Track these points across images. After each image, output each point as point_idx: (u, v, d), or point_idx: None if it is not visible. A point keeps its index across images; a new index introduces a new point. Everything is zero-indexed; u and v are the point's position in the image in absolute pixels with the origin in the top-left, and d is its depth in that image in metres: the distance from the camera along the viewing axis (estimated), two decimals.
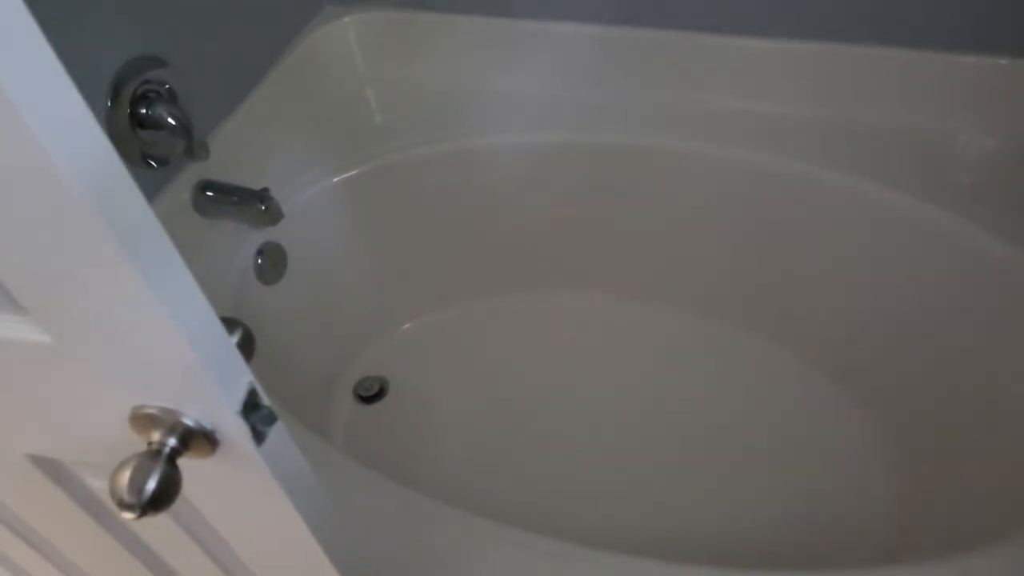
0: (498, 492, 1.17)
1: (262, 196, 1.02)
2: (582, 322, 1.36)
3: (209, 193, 1.05)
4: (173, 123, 0.95)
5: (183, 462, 0.43)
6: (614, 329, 1.35)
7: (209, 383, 0.41)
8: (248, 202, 1.03)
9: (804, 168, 1.11)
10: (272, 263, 1.13)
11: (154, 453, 0.42)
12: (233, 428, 0.44)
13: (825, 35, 1.10)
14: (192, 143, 0.96)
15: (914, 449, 1.06)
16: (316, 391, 1.28)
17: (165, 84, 0.98)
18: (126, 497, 0.40)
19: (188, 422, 0.44)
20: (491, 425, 1.27)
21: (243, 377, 0.44)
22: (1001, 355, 0.97)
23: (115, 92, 0.91)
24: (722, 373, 1.27)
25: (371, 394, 1.34)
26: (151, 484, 0.41)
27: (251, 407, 0.44)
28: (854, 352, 1.17)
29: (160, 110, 0.95)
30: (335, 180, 1.18)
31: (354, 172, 1.19)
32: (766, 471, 1.14)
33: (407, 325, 1.39)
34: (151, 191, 1.00)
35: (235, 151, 1.12)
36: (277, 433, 0.47)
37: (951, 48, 1.07)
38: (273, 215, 1.03)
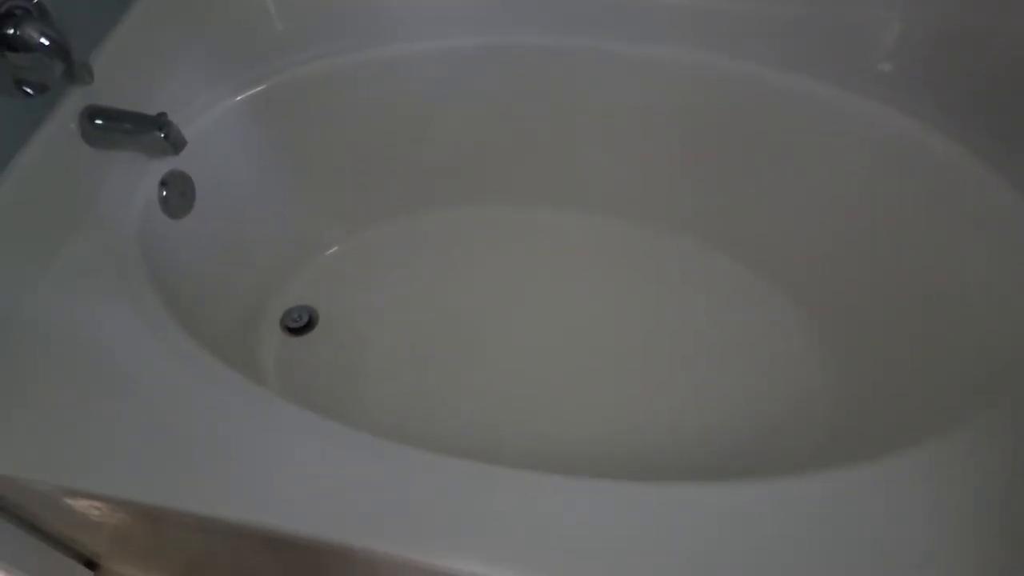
0: (437, 419, 1.15)
1: (160, 122, 0.93)
2: (517, 237, 1.33)
3: (99, 121, 0.94)
4: (46, 43, 0.84)
5: None
6: (548, 243, 1.33)
7: None
8: (145, 130, 0.93)
9: (745, 67, 1.07)
10: (179, 193, 1.04)
11: None
12: None
13: None
14: (72, 65, 0.86)
15: (850, 351, 1.09)
16: (241, 327, 1.22)
17: (34, 1, 0.86)
18: None
19: None
20: (427, 348, 1.24)
21: None
22: (935, 252, 0.99)
23: None
24: (662, 282, 1.27)
25: (300, 325, 1.29)
26: None
27: None
28: (792, 256, 1.18)
29: (30, 30, 0.83)
30: (239, 99, 1.09)
31: (260, 88, 1.10)
32: (707, 377, 1.16)
33: (332, 250, 1.33)
34: (32, 121, 0.89)
35: (121, 72, 1.00)
36: None
37: None
38: (175, 143, 0.94)
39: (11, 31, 0.83)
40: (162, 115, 0.93)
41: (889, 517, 0.67)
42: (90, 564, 1.10)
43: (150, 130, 0.93)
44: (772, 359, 1.16)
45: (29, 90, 0.88)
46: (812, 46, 1.07)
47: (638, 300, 1.25)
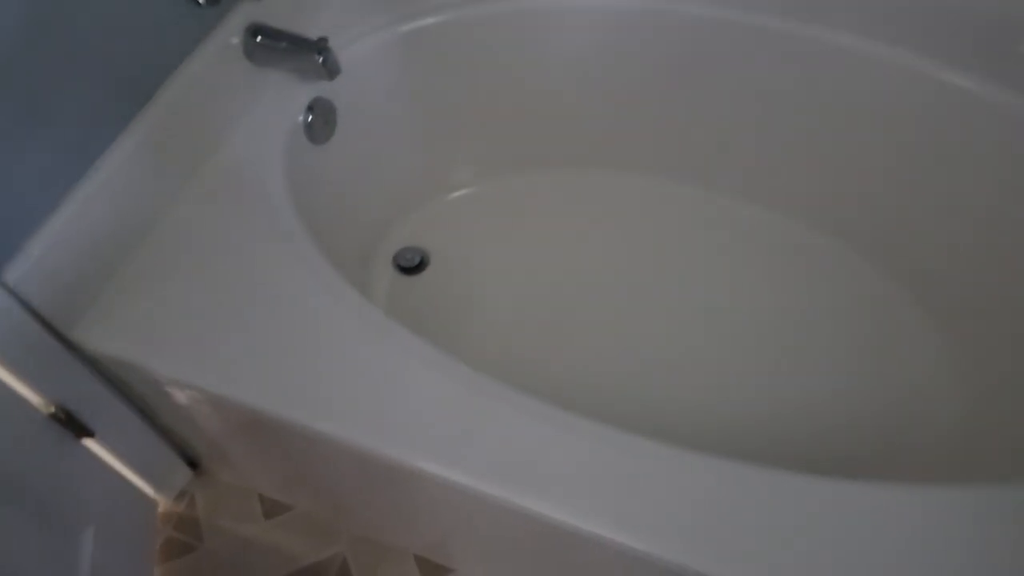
0: (537, 370, 1.15)
1: (320, 47, 0.94)
2: (631, 204, 1.32)
3: (261, 39, 0.96)
4: None
5: None
6: (663, 213, 1.31)
7: None
8: (304, 52, 0.95)
9: (905, 58, 1.02)
10: (323, 120, 1.06)
11: None
12: None
13: None
14: None
15: (978, 360, 1.04)
16: (360, 259, 1.24)
17: None
18: None
19: None
20: (531, 302, 1.24)
21: None
22: None
23: None
24: (779, 268, 1.24)
25: (412, 265, 1.30)
26: None
27: None
28: (927, 258, 1.13)
29: None
30: (390, 34, 1.09)
31: (412, 25, 1.10)
32: (819, 364, 1.13)
33: (455, 195, 1.33)
34: (200, 32, 0.92)
35: None
36: None
37: None
38: (331, 69, 0.95)
39: None
40: (323, 40, 0.94)
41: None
42: (192, 464, 1.15)
43: (309, 53, 0.94)
44: (897, 361, 1.12)
45: (202, 1, 0.90)
46: (970, 40, 1.01)
47: (755, 283, 1.23)
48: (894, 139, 1.09)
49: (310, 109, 1.04)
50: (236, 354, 0.79)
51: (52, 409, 0.84)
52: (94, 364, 0.86)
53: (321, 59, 0.94)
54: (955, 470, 0.93)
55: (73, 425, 0.87)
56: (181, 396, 0.86)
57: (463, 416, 0.74)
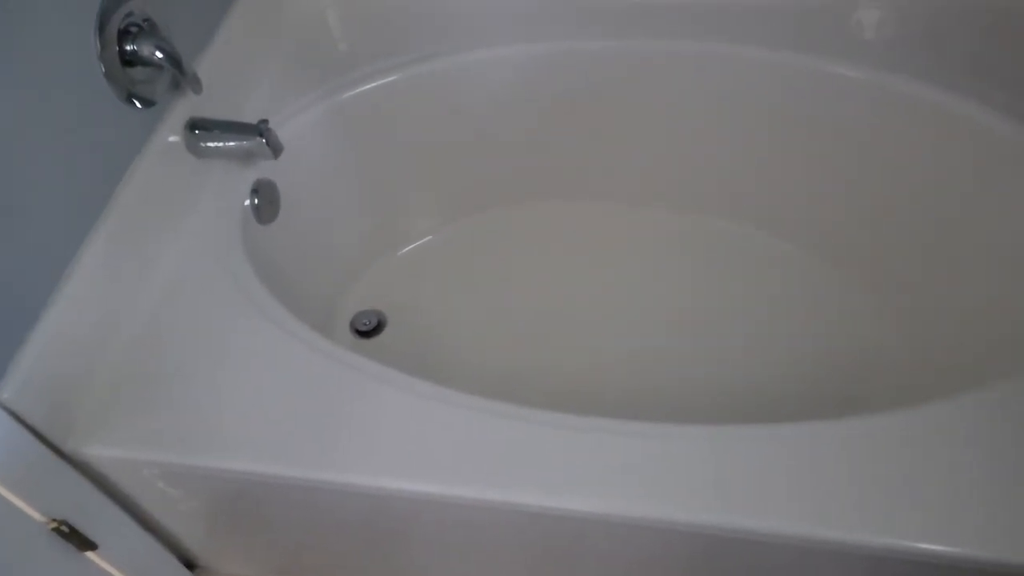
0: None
1: (261, 129, 0.99)
2: (580, 230, 1.39)
3: (200, 131, 1.00)
4: (162, 57, 0.90)
5: None
6: (612, 234, 1.39)
7: None
8: (245, 136, 0.99)
9: (785, 57, 1.15)
10: (267, 201, 1.10)
11: None
12: None
13: None
14: (185, 76, 0.92)
15: (901, 305, 1.15)
16: (319, 330, 1.26)
17: (145, 18, 0.92)
18: None
19: None
20: (493, 342, 1.29)
21: None
22: (963, 205, 1.06)
23: (100, 30, 0.85)
24: (712, 261, 1.34)
25: (369, 328, 1.33)
26: None
27: None
28: (844, 231, 1.25)
29: (147, 44, 0.89)
30: (323, 107, 1.15)
31: (342, 96, 1.16)
32: (770, 340, 1.23)
33: (404, 250, 1.38)
34: (141, 134, 0.95)
35: (212, 86, 1.06)
36: None
37: None
38: (274, 147, 1.00)
39: (130, 47, 0.89)
40: (263, 122, 0.99)
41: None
42: (189, 566, 1.13)
43: (251, 136, 0.99)
44: (832, 320, 1.23)
45: (138, 104, 0.94)
46: (836, 32, 1.15)
47: (702, 282, 1.32)
48: (787, 132, 1.22)
49: (255, 192, 1.07)
50: (230, 427, 0.81)
51: (54, 524, 0.83)
52: (91, 472, 0.86)
53: (264, 140, 0.98)
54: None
55: (76, 538, 0.86)
56: (181, 485, 0.87)
57: (456, 434, 0.78)
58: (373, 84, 1.18)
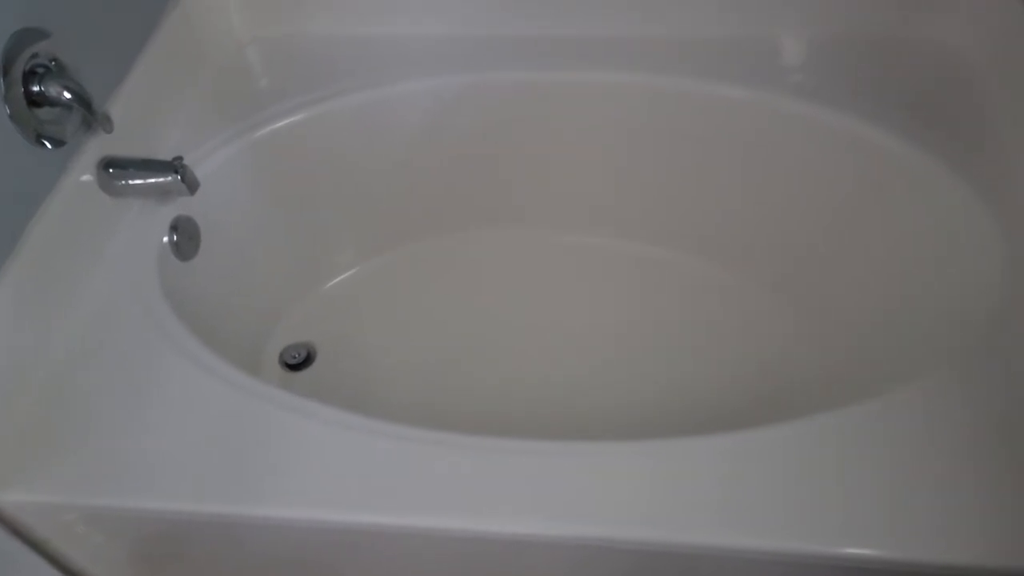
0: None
1: (176, 166, 0.98)
2: (505, 258, 1.42)
3: (114, 170, 1.00)
4: (70, 97, 0.89)
5: None
6: (535, 261, 1.42)
7: None
8: (160, 174, 0.99)
9: (690, 83, 1.20)
10: (187, 237, 1.09)
11: None
12: None
13: None
14: (95, 116, 0.91)
15: (824, 327, 1.21)
16: (246, 368, 1.25)
17: (52, 58, 0.92)
18: None
19: None
20: (425, 372, 1.30)
21: None
22: (890, 233, 1.12)
23: (5, 71, 0.85)
24: (650, 286, 1.37)
25: (298, 361, 1.33)
26: None
27: None
28: (762, 251, 1.30)
29: (54, 85, 0.89)
30: (241, 143, 1.15)
31: (261, 132, 1.16)
32: (698, 359, 1.26)
33: (331, 282, 1.38)
34: (52, 174, 0.94)
35: (126, 124, 1.06)
36: None
37: None
38: (190, 184, 0.99)
39: (36, 88, 0.89)
40: (178, 158, 0.99)
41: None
42: None
43: (166, 174, 0.98)
44: (760, 339, 1.27)
45: (48, 144, 0.93)
46: (744, 63, 1.21)
47: (630, 303, 1.35)
48: (691, 152, 1.27)
49: (174, 229, 1.07)
50: (148, 467, 0.80)
51: None
52: (5, 519, 0.84)
53: (180, 176, 0.98)
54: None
55: None
56: (102, 529, 0.85)
57: (384, 463, 0.79)
58: (292, 119, 1.19)
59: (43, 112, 0.90)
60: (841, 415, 0.80)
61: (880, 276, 1.13)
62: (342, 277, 1.41)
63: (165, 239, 1.05)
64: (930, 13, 1.20)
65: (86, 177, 0.98)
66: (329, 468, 0.79)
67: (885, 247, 1.13)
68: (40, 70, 0.90)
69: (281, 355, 1.33)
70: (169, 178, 0.99)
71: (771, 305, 1.30)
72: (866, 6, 1.21)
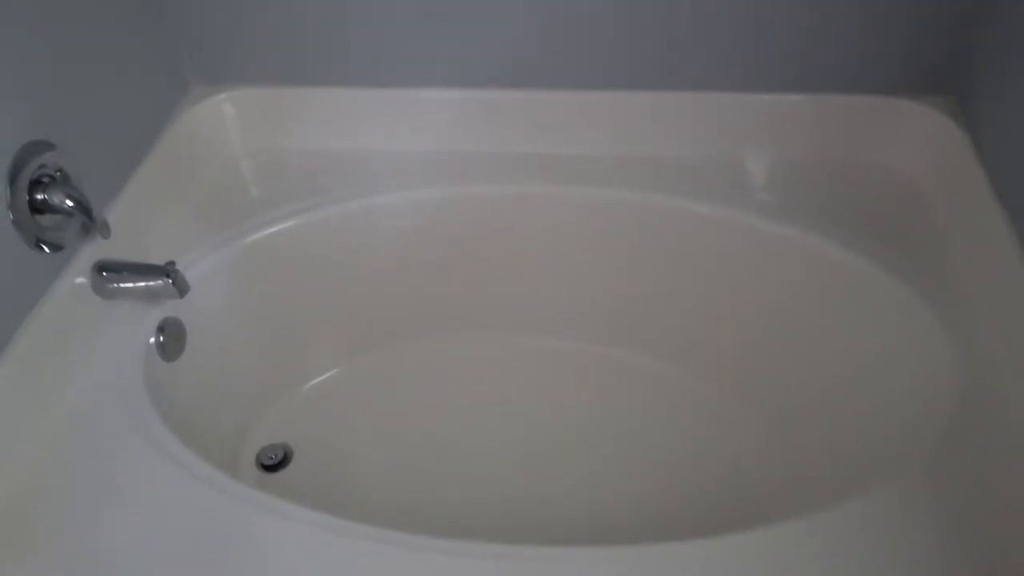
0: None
1: (168, 270, 1.03)
2: (479, 361, 1.45)
3: (107, 273, 1.04)
4: (71, 205, 0.94)
5: None
6: (512, 364, 1.45)
7: None
8: (152, 278, 1.03)
9: (657, 198, 1.28)
10: (173, 338, 1.12)
11: None
12: None
13: (659, 85, 1.30)
14: (94, 223, 0.96)
15: (785, 431, 1.24)
16: (221, 466, 1.26)
17: (57, 168, 0.97)
18: None
19: None
20: (401, 476, 1.31)
21: None
22: (844, 341, 1.18)
23: (12, 180, 0.90)
24: (619, 390, 1.41)
25: (275, 462, 1.33)
26: None
27: None
28: (727, 357, 1.35)
29: (57, 194, 0.94)
30: (231, 249, 1.20)
31: (251, 239, 1.22)
32: (664, 463, 1.29)
33: (311, 384, 1.40)
34: (47, 277, 0.98)
35: (120, 230, 1.11)
36: None
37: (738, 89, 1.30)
38: (181, 288, 1.03)
39: (40, 196, 0.94)
40: (170, 263, 1.03)
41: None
42: None
43: (158, 277, 1.03)
44: (727, 444, 1.30)
45: (47, 249, 0.97)
46: (710, 182, 1.29)
47: (601, 407, 1.38)
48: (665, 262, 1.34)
49: (160, 330, 1.10)
50: (122, 568, 0.81)
51: None
52: None
53: (171, 280, 1.02)
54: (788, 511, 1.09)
55: None
56: None
57: (358, 566, 0.80)
58: (278, 227, 1.25)
59: (45, 219, 0.95)
60: (807, 522, 0.82)
61: (839, 384, 1.18)
62: (321, 378, 1.43)
63: (152, 339, 1.08)
64: (880, 141, 1.31)
65: (80, 280, 1.02)
66: (305, 571, 0.80)
67: (842, 356, 1.19)
68: (45, 179, 0.95)
69: (258, 456, 1.34)
70: (160, 282, 1.03)
71: (736, 409, 1.34)
72: (822, 134, 1.32)
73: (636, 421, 1.36)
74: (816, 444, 1.19)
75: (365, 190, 1.30)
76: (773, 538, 0.81)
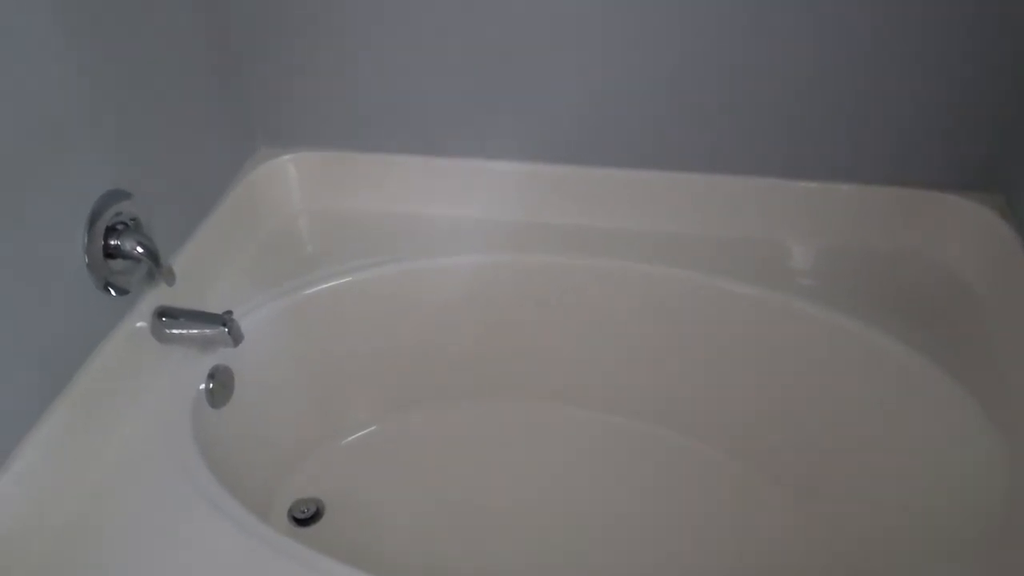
0: None
1: (224, 319, 1.06)
2: (519, 428, 1.46)
3: (167, 319, 1.08)
4: (141, 252, 0.99)
5: None
6: (550, 433, 1.46)
7: None
8: (210, 325, 1.07)
9: (699, 276, 1.30)
10: (222, 386, 1.15)
11: None
12: None
13: (709, 167, 1.33)
14: (160, 269, 1.01)
15: (820, 515, 1.22)
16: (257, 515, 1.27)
17: (131, 217, 1.03)
18: None
19: None
20: (433, 539, 1.31)
21: None
22: (885, 430, 1.16)
23: (90, 225, 0.95)
24: (646, 466, 1.40)
25: (307, 516, 1.34)
26: None
27: None
28: (765, 441, 1.34)
29: (129, 240, 0.99)
30: (284, 302, 1.25)
31: (304, 293, 1.26)
32: (695, 542, 1.28)
33: (348, 439, 1.42)
34: (111, 320, 1.02)
35: (183, 280, 1.15)
36: None
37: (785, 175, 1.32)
38: (235, 337, 1.07)
39: (114, 242, 0.99)
40: (228, 312, 1.07)
41: None
42: None
43: (215, 325, 1.06)
44: (760, 529, 1.28)
45: (113, 292, 1.02)
46: (753, 265, 1.31)
47: (637, 483, 1.38)
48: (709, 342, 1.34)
49: (211, 376, 1.13)
50: None
51: None
52: None
53: (227, 329, 1.06)
54: None
55: None
56: None
57: None
58: (330, 284, 1.29)
59: (115, 263, 1.00)
60: None
61: (878, 475, 1.16)
62: (359, 435, 1.45)
63: (202, 386, 1.11)
64: (927, 235, 1.31)
65: (140, 323, 1.06)
66: None
67: (883, 447, 1.17)
68: (120, 227, 1.00)
69: (290, 509, 1.35)
70: (216, 330, 1.07)
71: (772, 494, 1.32)
72: (868, 225, 1.33)
73: (671, 499, 1.35)
74: (847, 535, 1.16)
75: (415, 253, 1.34)
76: None
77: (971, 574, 0.84)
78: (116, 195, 1.01)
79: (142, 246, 0.99)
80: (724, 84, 1.24)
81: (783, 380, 1.30)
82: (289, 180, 1.42)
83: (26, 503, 0.86)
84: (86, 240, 0.95)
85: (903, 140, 1.26)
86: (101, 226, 0.97)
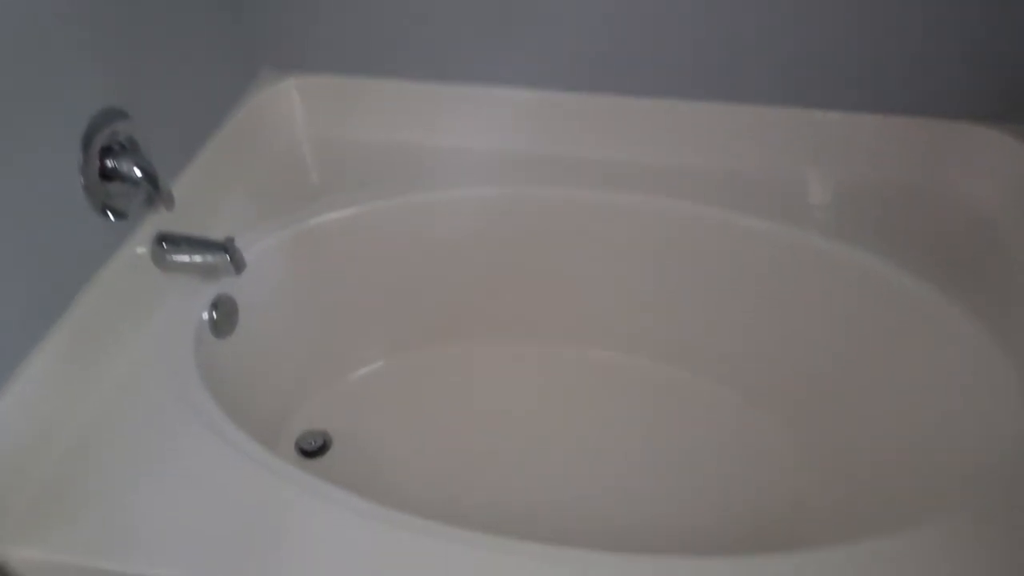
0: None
1: (227, 246, 1.03)
2: (525, 367, 1.44)
3: (167, 244, 1.05)
4: (139, 174, 0.96)
5: None
6: (558, 372, 1.44)
7: None
8: (210, 252, 1.04)
9: (717, 212, 1.26)
10: (225, 316, 1.13)
11: None
12: None
13: (728, 96, 1.28)
14: (159, 193, 0.97)
15: (824, 459, 1.21)
16: (263, 446, 1.26)
17: (128, 137, 0.99)
18: None
19: None
20: (438, 472, 1.30)
21: None
22: (901, 370, 1.14)
23: (85, 145, 0.92)
24: (649, 401, 1.39)
25: (314, 449, 1.34)
26: None
27: None
28: (775, 378, 1.32)
29: (127, 162, 0.95)
30: (290, 231, 1.21)
31: (310, 223, 1.23)
32: (694, 479, 1.27)
33: (356, 374, 1.41)
34: (110, 244, 0.99)
35: (184, 206, 1.12)
36: None
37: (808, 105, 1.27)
38: (238, 265, 1.04)
39: (110, 164, 0.95)
40: (230, 239, 1.04)
41: None
42: None
43: (216, 252, 1.03)
44: (769, 466, 1.27)
45: (112, 216, 0.99)
46: (771, 198, 1.27)
47: (640, 419, 1.36)
48: (726, 283, 1.31)
49: (214, 306, 1.11)
50: (163, 537, 0.81)
51: None
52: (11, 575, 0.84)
53: (229, 256, 1.03)
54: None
55: None
56: None
57: (397, 554, 0.79)
58: (336, 214, 1.25)
59: (113, 186, 0.96)
60: (853, 550, 0.79)
61: (892, 413, 1.14)
62: (366, 369, 1.43)
63: (205, 315, 1.09)
64: (950, 166, 1.27)
65: (141, 249, 1.03)
66: (343, 554, 0.79)
67: (899, 385, 1.15)
68: (116, 147, 0.97)
69: (297, 441, 1.34)
70: (219, 257, 1.04)
71: (782, 431, 1.31)
72: (892, 155, 1.28)
73: (677, 436, 1.33)
74: (868, 474, 1.15)
75: (424, 185, 1.30)
76: (816, 563, 0.78)
77: (980, 516, 0.82)
78: (112, 114, 0.97)
79: (140, 168, 0.96)
80: (749, 10, 1.18)
81: (793, 317, 1.27)
82: (293, 105, 1.37)
83: (25, 430, 0.84)
84: (81, 160, 0.91)
85: (927, 70, 1.21)
86: (96, 146, 0.93)
